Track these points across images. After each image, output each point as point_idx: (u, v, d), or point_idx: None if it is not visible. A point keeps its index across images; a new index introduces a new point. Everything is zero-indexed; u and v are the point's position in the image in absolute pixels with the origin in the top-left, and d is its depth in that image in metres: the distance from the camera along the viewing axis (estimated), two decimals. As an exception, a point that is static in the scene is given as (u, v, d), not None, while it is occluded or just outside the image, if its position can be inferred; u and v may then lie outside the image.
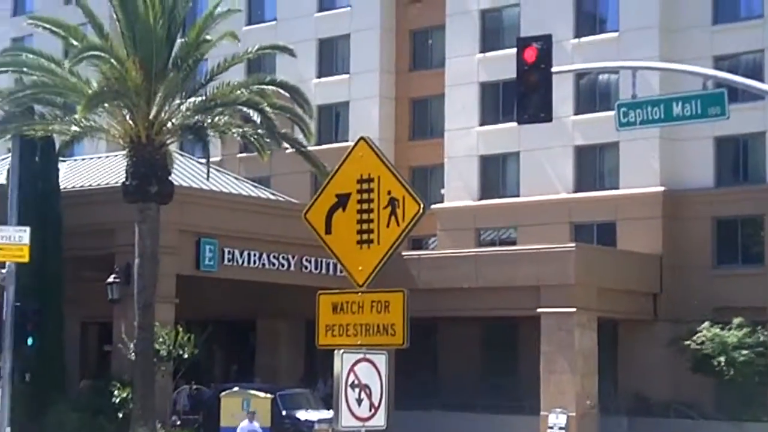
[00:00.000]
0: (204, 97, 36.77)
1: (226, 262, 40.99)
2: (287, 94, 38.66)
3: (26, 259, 32.95)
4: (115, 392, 36.57)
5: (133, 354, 34.93)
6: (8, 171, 36.37)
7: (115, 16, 35.91)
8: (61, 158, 40.39)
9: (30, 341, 33.84)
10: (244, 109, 36.70)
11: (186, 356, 36.82)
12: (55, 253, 37.52)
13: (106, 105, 35.27)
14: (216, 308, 45.09)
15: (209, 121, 36.88)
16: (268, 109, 35.87)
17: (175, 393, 40.49)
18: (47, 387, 36.74)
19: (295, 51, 43.95)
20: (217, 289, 43.23)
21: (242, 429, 30.29)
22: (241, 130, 38.03)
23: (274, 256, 42.34)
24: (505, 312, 43.60)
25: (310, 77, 55.90)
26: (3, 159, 43.16)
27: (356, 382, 10.51)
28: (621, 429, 42.41)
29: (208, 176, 39.06)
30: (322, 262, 41.67)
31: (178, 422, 38.06)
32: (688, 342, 42.47)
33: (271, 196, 48.41)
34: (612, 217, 48.90)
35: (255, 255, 41.96)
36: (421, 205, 10.10)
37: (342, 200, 10.75)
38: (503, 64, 45.41)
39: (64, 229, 38.49)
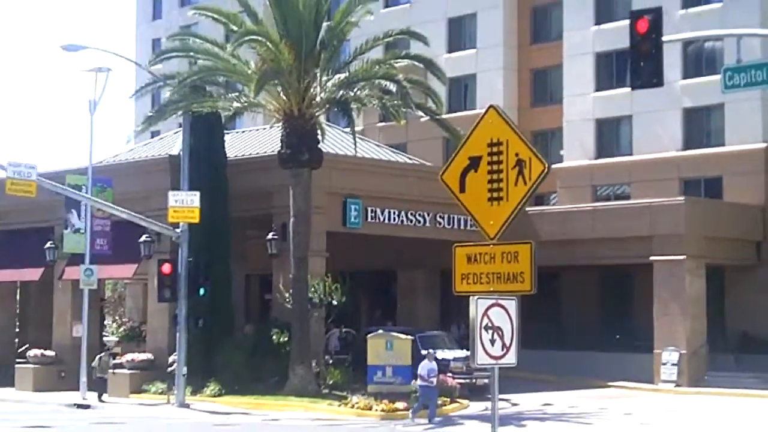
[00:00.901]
0: (347, 74, 38.68)
1: (369, 219, 41.93)
2: (422, 66, 39.90)
3: (197, 220, 35.50)
4: (275, 335, 38.60)
5: (290, 302, 36.96)
6: (181, 143, 39.19)
7: (268, 3, 38.19)
8: (225, 131, 42.13)
9: (202, 291, 36.29)
10: (383, 82, 38.34)
11: (335, 303, 37.77)
12: (222, 214, 39.25)
13: (264, 84, 36.38)
14: (361, 261, 45.49)
15: (352, 94, 38.79)
16: (403, 81, 37.37)
17: (327, 336, 41.78)
18: (217, 331, 38.36)
19: (426, 30, 45.62)
20: (362, 244, 43.97)
21: (422, 367, 30.18)
22: (380, 101, 39.62)
23: (411, 214, 43.16)
24: (620, 260, 43.95)
25: (441, 53, 56.10)
26: (175, 133, 45.12)
27: (489, 324, 12.02)
28: (729, 365, 42.20)
29: (355, 144, 40.30)
30: (454, 218, 42.26)
31: (330, 361, 39.65)
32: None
33: (408, 161, 49.35)
34: (718, 172, 48.92)
35: (394, 213, 42.88)
36: (546, 165, 12.09)
37: (474, 162, 12.30)
38: (616, 35, 46.99)
39: (229, 193, 40.11)
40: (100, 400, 37.55)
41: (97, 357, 38.99)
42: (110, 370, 38.77)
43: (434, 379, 29.45)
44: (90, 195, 38.39)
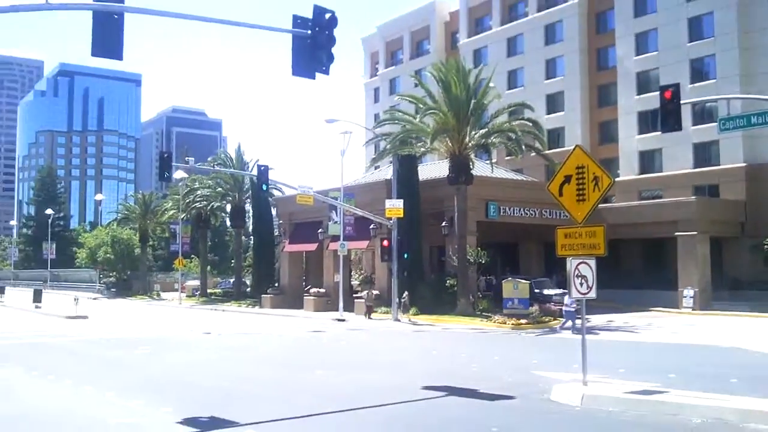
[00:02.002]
0: (487, 129, 39.24)
1: (501, 213, 42.09)
2: (530, 124, 40.17)
3: (401, 215, 36.61)
4: (448, 280, 39.44)
5: (456, 261, 37.99)
6: (392, 173, 40.43)
7: (440, 90, 38.95)
8: (417, 164, 42.46)
9: (405, 256, 37.65)
10: (508, 133, 38.68)
11: (482, 262, 38.92)
12: (416, 212, 39.91)
13: (438, 137, 38.24)
14: (497, 237, 44.24)
15: (490, 141, 39.34)
16: (519, 132, 38.24)
17: (478, 281, 41.67)
18: (414, 278, 39.29)
19: (533, 102, 46.90)
20: (497, 227, 43.22)
21: (568, 300, 28.38)
22: (506, 144, 40.46)
23: (526, 209, 43.05)
24: (656, 235, 43.38)
25: (542, 114, 56.84)
26: (388, 166, 46.04)
27: (578, 274, 13.28)
28: (725, 298, 41.14)
29: (492, 170, 41.77)
30: (552, 211, 41.24)
31: (480, 296, 39.97)
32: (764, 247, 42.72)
33: (524, 178, 49.06)
34: (716, 181, 48.77)
35: (516, 209, 42.87)
36: (612, 180, 13.46)
37: (567, 178, 13.54)
38: (650, 100, 48.32)
39: (420, 199, 40.66)
40: (369, 318, 37.98)
41: (366, 293, 39.84)
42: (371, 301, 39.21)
43: (574, 306, 27.39)
44: (342, 202, 39.75)
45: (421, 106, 40.20)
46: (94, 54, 14.25)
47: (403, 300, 35.87)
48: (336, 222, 41.59)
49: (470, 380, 15.77)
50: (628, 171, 55.65)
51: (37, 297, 50.82)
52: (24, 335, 29.52)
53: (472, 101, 38.38)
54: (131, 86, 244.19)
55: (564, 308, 30.00)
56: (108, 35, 14.17)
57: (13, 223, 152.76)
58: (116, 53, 14.33)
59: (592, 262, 13.47)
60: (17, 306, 52.26)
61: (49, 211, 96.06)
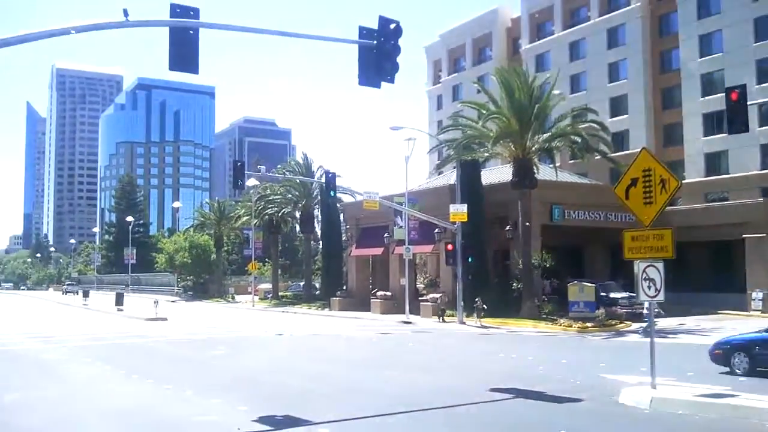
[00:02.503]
0: (550, 133, 38.78)
1: (566, 216, 41.04)
2: (597, 126, 39.63)
3: (465, 220, 36.27)
4: (512, 284, 38.74)
5: (520, 264, 37.48)
6: (455, 178, 39.72)
7: (502, 95, 38.49)
8: (480, 169, 42.00)
9: (470, 259, 37.01)
10: (572, 137, 38.39)
11: (547, 265, 38.31)
12: (479, 216, 38.77)
13: (501, 141, 37.99)
14: (561, 241, 42.62)
15: (553, 145, 39.01)
16: (585, 135, 37.93)
17: (543, 284, 40.44)
18: (478, 281, 38.32)
19: (597, 105, 46.05)
20: (562, 231, 41.84)
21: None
22: (570, 148, 40.13)
23: (590, 213, 41.84)
24: (723, 237, 41.36)
25: (606, 118, 54.53)
26: (451, 171, 44.56)
27: (646, 276, 12.88)
28: None
29: (556, 174, 40.61)
30: (618, 215, 39.40)
31: (545, 299, 38.60)
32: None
33: (588, 182, 47.97)
34: None
35: (581, 212, 41.76)
36: (680, 182, 13.05)
37: (634, 181, 13.25)
38: (714, 102, 47.41)
39: (483, 203, 39.63)
40: (442, 321, 37.29)
41: (438, 296, 39.16)
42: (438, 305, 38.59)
43: (656, 309, 26.20)
44: (406, 207, 39.81)
45: (484, 111, 39.92)
46: (172, 68, 14.66)
47: (476, 305, 35.44)
48: (401, 227, 41.67)
49: (537, 383, 15.59)
50: (693, 173, 54.30)
51: (120, 300, 52.49)
52: (109, 336, 30.53)
53: (536, 106, 37.89)
54: (205, 98, 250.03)
55: (644, 311, 28.90)
56: (185, 50, 14.57)
57: (96, 230, 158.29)
58: (193, 67, 14.74)
59: (660, 265, 13.13)
60: (101, 309, 54.09)
61: (129, 219, 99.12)
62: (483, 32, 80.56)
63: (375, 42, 15.91)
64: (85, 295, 65.32)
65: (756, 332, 17.58)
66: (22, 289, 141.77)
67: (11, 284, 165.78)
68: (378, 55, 15.81)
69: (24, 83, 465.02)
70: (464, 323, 35.93)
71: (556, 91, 39.11)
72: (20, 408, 13.24)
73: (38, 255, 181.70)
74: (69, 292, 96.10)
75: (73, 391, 15.49)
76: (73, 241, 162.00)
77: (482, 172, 42.52)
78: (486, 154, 40.48)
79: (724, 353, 17.10)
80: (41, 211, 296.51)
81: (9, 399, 14.16)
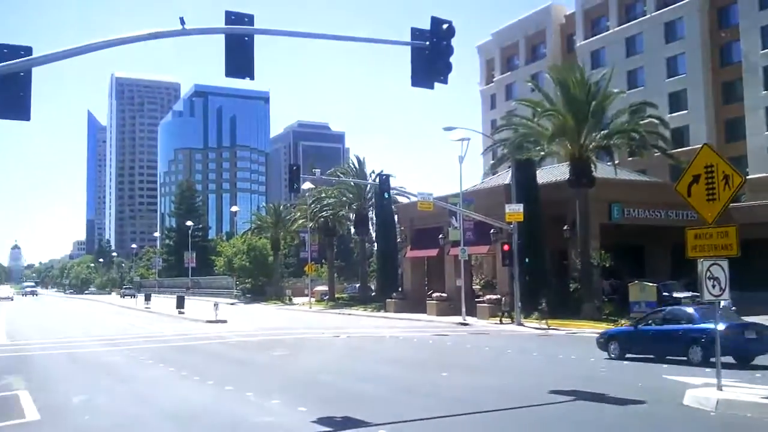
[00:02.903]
0: (608, 130, 38.35)
1: (625, 215, 40.75)
2: (657, 122, 39.54)
3: (522, 220, 35.95)
4: (571, 285, 38.86)
5: (579, 264, 37.56)
6: (510, 177, 40.15)
7: (558, 93, 38.47)
8: (536, 168, 41.04)
9: (527, 260, 36.89)
10: (631, 133, 37.91)
11: (606, 265, 38.00)
12: (536, 215, 38.14)
13: (556, 140, 37.97)
14: (621, 239, 42.10)
15: (612, 142, 38.63)
16: (643, 131, 37.57)
17: (602, 284, 39.81)
18: (536, 282, 38.07)
19: (656, 100, 44.99)
20: (622, 230, 41.54)
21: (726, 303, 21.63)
22: (628, 145, 39.67)
23: (651, 211, 41.35)
24: None
25: (665, 113, 52.57)
26: (506, 171, 45.33)
27: (710, 275, 12.58)
28: None
29: (615, 171, 40.18)
30: (680, 213, 37.72)
31: (605, 299, 38.51)
32: None
33: (647, 179, 47.46)
34: None
35: (641, 210, 41.41)
36: (744, 178, 12.76)
37: (696, 178, 12.91)
38: None
39: (540, 203, 39.08)
40: (503, 322, 36.91)
41: (503, 298, 38.70)
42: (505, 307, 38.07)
43: (733, 308, 25.04)
44: (461, 208, 39.78)
45: (539, 109, 39.60)
46: (228, 75, 14.91)
47: (541, 307, 35.08)
48: (456, 227, 41.53)
49: (599, 385, 15.36)
50: (757, 168, 52.76)
51: (180, 303, 53.63)
52: (170, 339, 31.26)
53: (592, 102, 37.48)
54: (260, 103, 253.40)
55: None
56: (240, 57, 14.81)
57: (157, 234, 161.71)
58: (248, 73, 14.96)
59: (725, 264, 12.78)
60: (162, 312, 55.35)
61: (189, 223, 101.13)
62: (536, 29, 79.81)
63: (427, 43, 15.89)
64: (147, 298, 66.91)
65: (625, 327, 23.26)
66: (86, 294, 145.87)
67: (73, 290, 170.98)
68: (431, 56, 15.79)
69: (85, 92, 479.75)
70: (522, 325, 35.60)
71: (615, 89, 38.60)
72: (88, 409, 13.65)
73: (101, 260, 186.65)
74: (126, 295, 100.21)
75: (137, 392, 15.89)
76: (134, 245, 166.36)
77: (538, 171, 42.22)
78: (542, 153, 40.12)
79: (604, 341, 21.65)
80: (103, 216, 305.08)
81: (77, 400, 14.62)
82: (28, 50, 13.28)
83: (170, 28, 14.69)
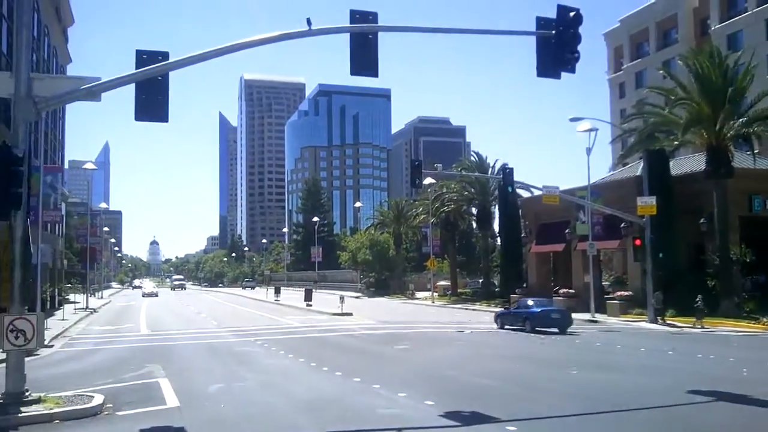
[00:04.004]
0: (747, 117, 36.35)
1: (767, 206, 38.88)
2: None
3: (654, 212, 34.53)
4: (708, 281, 36.26)
5: (717, 260, 35.62)
6: (641, 169, 38.42)
7: (692, 79, 36.80)
8: (668, 159, 38.64)
9: (660, 255, 35.14)
10: None
11: (747, 260, 35.78)
12: (669, 208, 36.02)
13: (691, 128, 36.08)
14: (761, 233, 38.07)
15: (751, 130, 36.37)
16: None
17: (743, 280, 37.85)
18: (670, 278, 36.00)
19: None
20: (763, 223, 38.43)
21: None
22: None
23: None
24: None
25: None
26: (637, 162, 43.34)
27: None
28: None
29: (754, 161, 37.78)
30: None
31: (745, 296, 36.71)
32: None
33: None
34: None
35: None
36: None
37: None
38: None
39: (673, 195, 37.03)
40: (662, 322, 34.26)
41: (654, 294, 35.59)
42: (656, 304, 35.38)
43: None
44: (589, 201, 38.71)
45: (672, 97, 38.04)
46: (354, 73, 15.23)
47: (697, 305, 33.14)
48: (584, 222, 40.51)
49: (740, 385, 14.57)
50: None
51: (308, 296, 55.28)
52: (299, 330, 32.28)
53: (729, 88, 35.61)
54: (382, 101, 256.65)
55: None
56: (365, 54, 15.12)
57: (285, 230, 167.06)
58: (372, 71, 15.25)
59: None
60: (291, 304, 57.24)
61: (315, 219, 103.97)
62: (667, 14, 76.36)
63: (553, 32, 15.67)
64: (277, 291, 69.37)
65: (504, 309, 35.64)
66: (219, 287, 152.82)
67: (207, 283, 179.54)
68: (557, 45, 15.59)
69: (216, 95, 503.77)
70: (656, 322, 34.30)
71: (754, 74, 36.28)
72: (224, 397, 14.30)
73: (233, 254, 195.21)
74: (247, 287, 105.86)
75: (269, 381, 16.48)
76: (264, 240, 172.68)
77: (671, 162, 40.27)
78: (675, 143, 38.29)
79: (497, 318, 33.77)
80: (235, 213, 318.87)
81: (214, 388, 15.34)
82: (165, 55, 14.12)
83: (298, 29, 15.15)
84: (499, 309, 40.56)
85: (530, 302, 32.62)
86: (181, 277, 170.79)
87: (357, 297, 73.23)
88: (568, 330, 30.25)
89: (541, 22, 15.88)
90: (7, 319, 12.64)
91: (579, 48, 15.80)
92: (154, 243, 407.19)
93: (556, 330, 30.01)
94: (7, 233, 13.37)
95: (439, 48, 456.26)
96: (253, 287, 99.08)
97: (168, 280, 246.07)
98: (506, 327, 32.10)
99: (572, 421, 11.65)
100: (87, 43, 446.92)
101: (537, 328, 30.16)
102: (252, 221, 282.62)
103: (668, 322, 33.97)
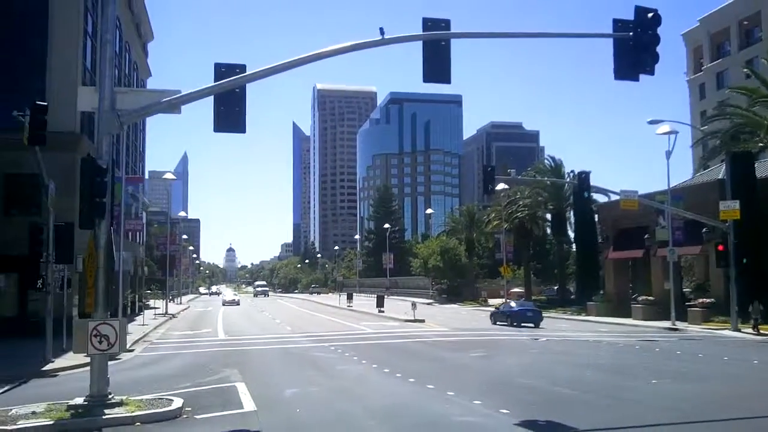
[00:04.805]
0: None
1: None
2: None
3: (738, 217, 33.37)
4: None
5: None
6: (724, 172, 37.63)
7: None
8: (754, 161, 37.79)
9: (744, 261, 33.95)
10: None
11: None
12: (755, 212, 34.85)
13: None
14: None
15: None
16: None
17: None
18: (756, 284, 34.47)
19: None
20: None
21: None
22: None
23: None
24: None
25: None
26: (718, 165, 42.45)
27: None
28: None
29: None
30: None
31: None
32: None
33: None
34: None
35: None
36: None
37: None
38: None
39: (759, 199, 35.68)
40: (757, 333, 32.08)
41: (752, 303, 33.74)
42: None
43: None
44: (669, 206, 37.68)
45: (755, 96, 36.59)
46: (426, 80, 15.25)
47: (751, 309, 32.12)
48: (664, 227, 39.40)
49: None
50: None
51: (380, 302, 55.57)
52: (372, 336, 32.44)
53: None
54: (453, 107, 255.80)
55: None
56: (437, 61, 15.14)
57: (357, 236, 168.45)
58: (445, 77, 15.28)
59: None
60: (363, 310, 57.61)
61: (386, 226, 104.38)
62: (750, 12, 73.61)
63: (631, 33, 15.38)
64: (349, 297, 69.90)
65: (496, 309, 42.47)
66: (294, 293, 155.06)
67: (281, 289, 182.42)
68: (635, 47, 15.29)
69: (290, 105, 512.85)
70: (739, 330, 33.11)
71: None
72: (300, 402, 14.49)
73: (306, 261, 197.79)
74: (314, 292, 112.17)
75: (343, 387, 16.60)
76: (336, 247, 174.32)
77: (756, 164, 38.96)
78: (760, 144, 37.13)
79: (491, 315, 42.02)
80: (308, 220, 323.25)
81: (290, 393, 15.56)
82: (242, 68, 14.45)
83: (370, 39, 15.25)
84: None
85: (513, 304, 43.59)
86: (264, 283, 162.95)
87: (429, 304, 72.99)
88: (646, 337, 29.35)
89: (619, 24, 15.63)
90: (91, 324, 13.09)
91: (657, 49, 15.46)
92: (230, 250, 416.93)
93: (531, 325, 38.48)
94: (91, 242, 13.91)
95: (511, 52, 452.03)
96: (319, 292, 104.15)
97: (244, 286, 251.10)
98: (498, 323, 40.32)
99: (653, 432, 11.30)
100: (165, 58, 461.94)
101: (515, 324, 38.65)
102: (324, 228, 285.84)
103: (749, 330, 32.53)
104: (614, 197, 41.36)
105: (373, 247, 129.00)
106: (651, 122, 36.98)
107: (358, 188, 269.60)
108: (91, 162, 13.03)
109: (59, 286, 23.58)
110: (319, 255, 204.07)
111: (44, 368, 20.04)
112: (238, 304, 79.61)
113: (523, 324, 38.48)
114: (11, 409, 12.82)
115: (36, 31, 33.12)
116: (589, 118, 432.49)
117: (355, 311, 59.06)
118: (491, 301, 71.54)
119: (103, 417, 12.29)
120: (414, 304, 46.22)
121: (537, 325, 38.21)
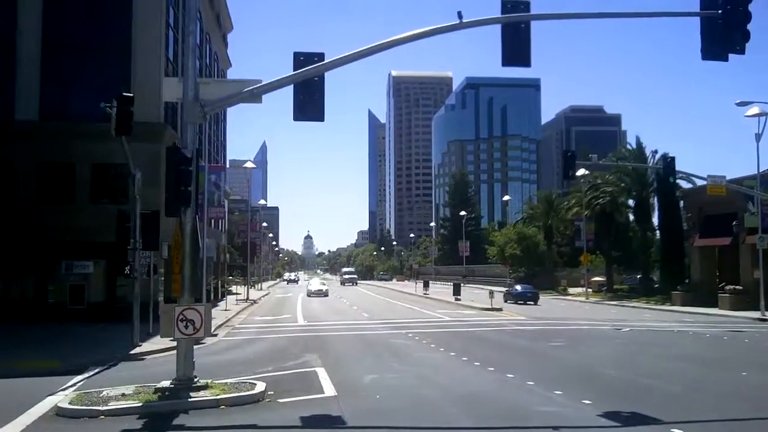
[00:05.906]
0: None
1: None
2: None
3: None
4: None
5: None
6: None
7: None
8: None
9: None
10: None
11: None
12: None
13: None
14: None
15: None
16: None
17: None
18: None
19: None
20: None
21: None
22: None
23: None
24: None
25: None
26: None
27: None
28: None
29: None
30: None
31: None
32: None
33: None
34: None
35: None
36: None
37: None
38: None
39: None
40: None
41: None
42: None
43: None
44: (759, 191, 36.27)
45: None
46: (505, 64, 15.05)
47: None
48: (753, 213, 38.12)
49: None
50: None
51: (457, 290, 55.49)
52: (449, 324, 32.47)
53: None
54: (531, 91, 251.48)
55: None
56: (516, 45, 14.92)
57: (432, 224, 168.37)
58: (525, 61, 15.02)
59: None
60: (440, 298, 57.64)
61: (462, 213, 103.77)
62: None
63: (720, 11, 14.77)
64: (425, 285, 69.96)
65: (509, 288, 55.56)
66: (369, 280, 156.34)
67: (356, 275, 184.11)
68: (724, 25, 14.67)
69: (365, 93, 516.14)
70: (765, 320, 31.60)
71: None
72: (379, 388, 14.64)
73: (382, 248, 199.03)
74: (383, 278, 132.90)
75: (422, 374, 16.66)
76: (412, 235, 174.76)
77: None
78: None
79: (504, 296, 52.13)
80: (384, 208, 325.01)
81: (368, 379, 15.74)
82: (321, 56, 14.58)
83: (448, 23, 15.14)
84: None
85: (518, 287, 54.95)
86: (352, 270, 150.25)
87: (506, 292, 72.30)
88: (734, 328, 28.29)
89: (706, 2, 15.01)
90: (177, 309, 13.52)
91: (748, 27, 14.82)
92: (308, 237, 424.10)
93: (531, 303, 49.61)
94: (178, 229, 14.37)
95: (591, 33, 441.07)
96: (389, 279, 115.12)
97: (320, 272, 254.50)
98: (507, 302, 49.72)
99: (741, 426, 11.00)
100: (244, 48, 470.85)
101: (519, 302, 49.74)
102: (400, 215, 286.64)
103: None
104: (700, 183, 39.93)
105: (449, 235, 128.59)
106: (739, 104, 35.66)
107: (433, 175, 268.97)
108: (176, 151, 13.42)
109: (146, 272, 24.35)
110: (394, 243, 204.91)
111: (132, 352, 20.81)
112: (326, 295, 65.63)
113: (523, 302, 49.65)
114: (102, 391, 13.39)
115: (120, 24, 34.17)
116: (675, 100, 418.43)
117: (431, 299, 59.12)
118: (571, 290, 70.38)
119: (189, 400, 12.67)
120: (491, 293, 45.93)
121: (535, 303, 49.78)
